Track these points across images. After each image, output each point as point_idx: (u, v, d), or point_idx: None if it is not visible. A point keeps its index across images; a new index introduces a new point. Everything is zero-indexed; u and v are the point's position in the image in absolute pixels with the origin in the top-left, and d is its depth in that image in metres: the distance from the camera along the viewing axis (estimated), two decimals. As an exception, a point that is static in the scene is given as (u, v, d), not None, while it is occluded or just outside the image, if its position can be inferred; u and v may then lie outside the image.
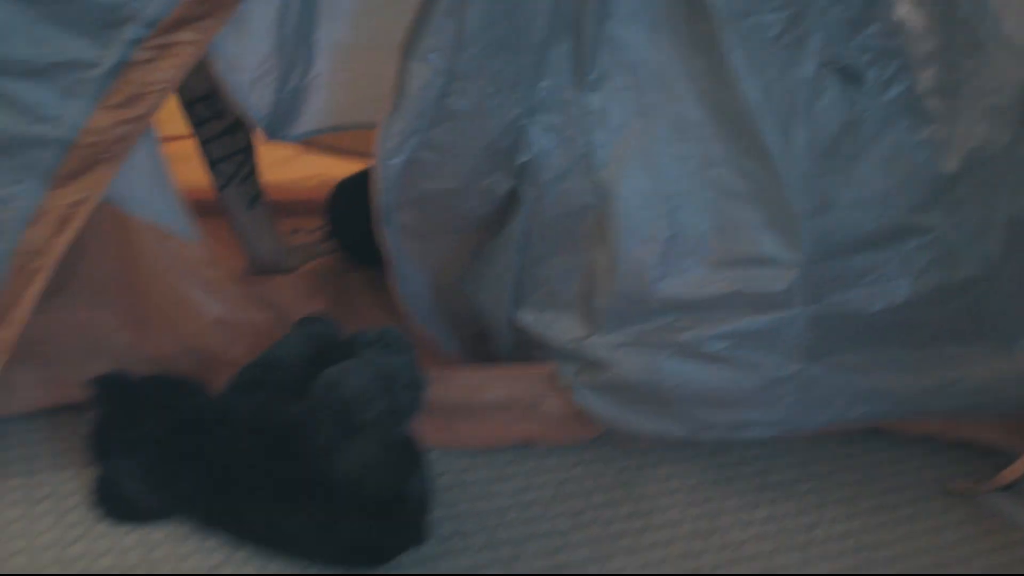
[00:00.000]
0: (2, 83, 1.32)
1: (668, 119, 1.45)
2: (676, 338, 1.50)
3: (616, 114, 1.45)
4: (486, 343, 1.67)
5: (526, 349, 1.61)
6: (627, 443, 1.62)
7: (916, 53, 1.45)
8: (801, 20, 1.41)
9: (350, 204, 1.91)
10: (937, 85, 1.46)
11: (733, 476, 1.59)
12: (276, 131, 1.90)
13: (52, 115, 1.34)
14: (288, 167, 2.24)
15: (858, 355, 1.55)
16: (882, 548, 1.48)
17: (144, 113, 1.36)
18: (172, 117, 1.76)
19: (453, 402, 1.56)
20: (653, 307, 1.50)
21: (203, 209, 1.62)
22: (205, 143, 1.82)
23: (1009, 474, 1.55)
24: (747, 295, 1.48)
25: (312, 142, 2.11)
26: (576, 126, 1.46)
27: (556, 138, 1.47)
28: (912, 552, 1.48)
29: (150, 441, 1.37)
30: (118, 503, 1.39)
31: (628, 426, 1.57)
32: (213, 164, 1.84)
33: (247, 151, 1.88)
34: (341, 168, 2.13)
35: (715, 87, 1.42)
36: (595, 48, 1.42)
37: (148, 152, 1.43)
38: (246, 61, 1.76)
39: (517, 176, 1.51)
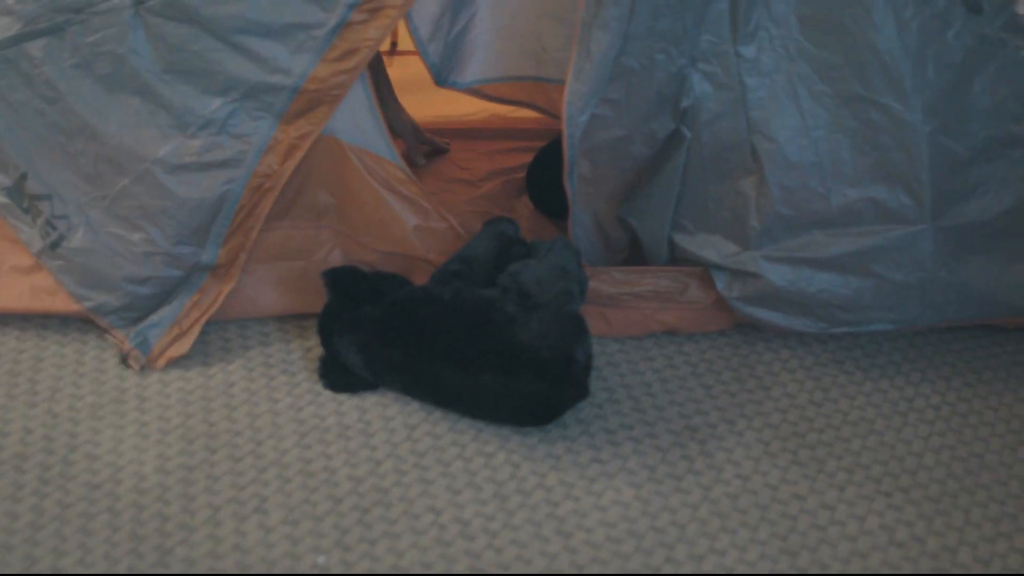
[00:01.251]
0: (248, 40, 1.58)
1: (812, 63, 1.59)
2: (818, 252, 1.68)
3: (767, 61, 1.60)
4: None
5: (679, 264, 1.80)
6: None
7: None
8: None
9: (545, 167, 2.07)
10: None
11: (844, 358, 1.81)
12: (444, 78, 2.25)
13: (284, 67, 1.59)
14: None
15: (973, 262, 1.71)
16: (972, 415, 1.69)
17: (356, 65, 1.60)
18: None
19: (608, 293, 1.78)
20: (799, 225, 1.68)
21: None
22: None
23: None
24: (881, 212, 1.65)
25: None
26: (732, 73, 1.61)
27: (714, 84, 1.63)
28: (998, 419, 1.68)
29: (368, 321, 1.63)
30: (339, 375, 1.67)
31: (770, 324, 1.78)
32: None
33: None
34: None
35: (855, 32, 1.55)
36: (750, 5, 1.57)
37: (362, 92, 1.67)
38: (424, 20, 2.15)
39: (679, 119, 1.66)
